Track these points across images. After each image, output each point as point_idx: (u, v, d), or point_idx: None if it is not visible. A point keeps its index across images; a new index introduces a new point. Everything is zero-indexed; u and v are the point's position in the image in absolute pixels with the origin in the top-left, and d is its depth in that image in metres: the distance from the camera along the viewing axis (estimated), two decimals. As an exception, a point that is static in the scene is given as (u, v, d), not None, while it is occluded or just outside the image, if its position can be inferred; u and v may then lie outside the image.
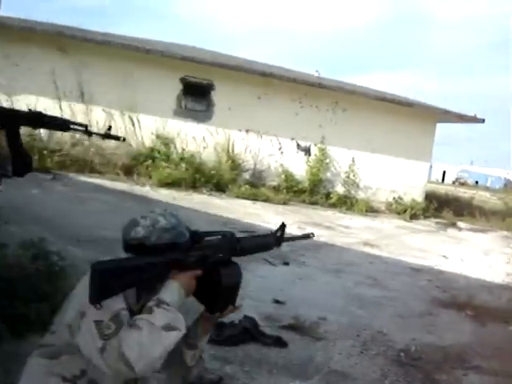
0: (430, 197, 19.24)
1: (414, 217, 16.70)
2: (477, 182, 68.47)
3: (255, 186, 15.47)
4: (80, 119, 14.33)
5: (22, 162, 2.96)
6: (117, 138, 3.37)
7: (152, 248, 2.24)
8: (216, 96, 15.95)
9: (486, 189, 53.48)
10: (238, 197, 14.39)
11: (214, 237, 2.41)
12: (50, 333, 2.33)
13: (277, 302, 6.09)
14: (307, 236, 2.77)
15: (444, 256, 11.08)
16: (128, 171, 14.09)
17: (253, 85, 15.88)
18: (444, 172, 72.44)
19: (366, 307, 6.55)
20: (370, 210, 16.71)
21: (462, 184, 60.86)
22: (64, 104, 14.04)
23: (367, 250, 10.26)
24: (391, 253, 10.27)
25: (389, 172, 17.24)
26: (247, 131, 16.15)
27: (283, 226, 2.58)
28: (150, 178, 14.03)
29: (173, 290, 2.19)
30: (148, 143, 15.05)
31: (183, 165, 14.56)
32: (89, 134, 3.05)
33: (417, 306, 7.07)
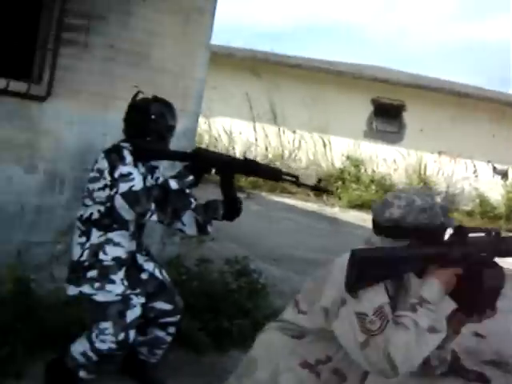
0: None
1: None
2: None
3: (448, 211, 14.88)
4: (272, 140, 14.79)
5: (233, 208, 3.24)
6: (326, 190, 3.80)
7: (407, 229, 2.17)
8: (408, 117, 15.66)
9: None
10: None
11: (477, 233, 2.29)
12: (298, 312, 2.31)
13: (477, 335, 5.76)
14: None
15: None
16: (318, 192, 14.20)
17: (446, 105, 15.35)
18: None
19: None
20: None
21: None
22: (257, 126, 14.52)
23: None
24: None
25: None
26: (440, 153, 15.63)
27: None
28: (340, 199, 14.04)
29: (434, 288, 2.09)
30: (338, 164, 15.12)
31: (373, 187, 14.42)
32: (298, 185, 3.21)
33: None
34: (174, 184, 3.10)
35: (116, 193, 3.05)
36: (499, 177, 16.00)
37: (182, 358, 3.99)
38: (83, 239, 3.21)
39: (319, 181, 3.24)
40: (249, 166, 3.15)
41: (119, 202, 3.05)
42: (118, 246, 3.22)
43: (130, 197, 3.03)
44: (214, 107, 14.29)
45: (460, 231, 2.23)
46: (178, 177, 3.16)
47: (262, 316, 4.53)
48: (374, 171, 15.11)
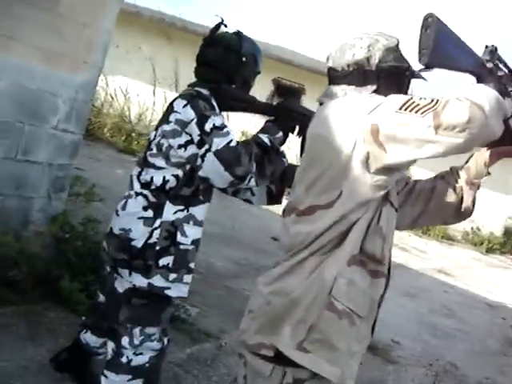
0: (508, 232, 18.62)
1: (490, 250, 16.18)
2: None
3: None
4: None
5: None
6: None
7: (373, 72, 1.88)
8: (306, 101, 15.79)
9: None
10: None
11: None
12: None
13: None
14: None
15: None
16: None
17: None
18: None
19: (440, 337, 6.36)
20: (446, 236, 16.29)
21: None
22: (158, 90, 14.21)
23: (442, 277, 9.95)
24: (467, 284, 9.94)
25: (470, 201, 16.75)
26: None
27: None
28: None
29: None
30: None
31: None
32: None
33: (491, 343, 6.82)
34: (267, 140, 2.60)
35: (208, 150, 2.41)
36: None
37: (61, 318, 3.87)
38: (149, 213, 2.53)
39: None
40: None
41: (212, 162, 2.40)
42: (200, 225, 2.65)
43: (229, 155, 2.41)
44: (115, 66, 13.88)
45: None
46: (266, 133, 2.65)
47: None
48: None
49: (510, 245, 17.04)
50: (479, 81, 1.83)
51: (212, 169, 2.42)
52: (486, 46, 1.91)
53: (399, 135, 1.68)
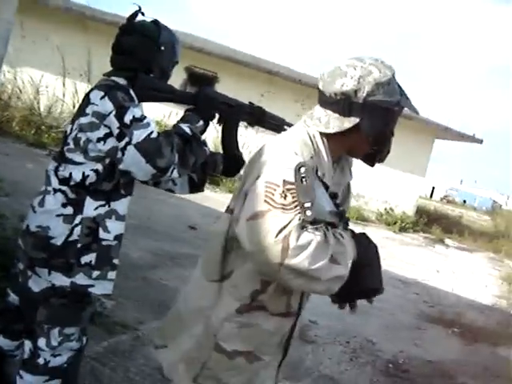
0: (419, 211, 19.32)
1: (403, 229, 16.73)
2: (464, 201, 69.00)
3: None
4: (81, 98, 14.21)
5: (234, 161, 2.76)
6: None
7: (359, 105, 1.83)
8: (219, 89, 15.80)
9: (474, 209, 53.87)
10: (230, 191, 14.32)
11: None
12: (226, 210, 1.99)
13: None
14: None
15: (437, 271, 11.14)
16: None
17: (257, 82, 15.85)
18: (433, 188, 72.78)
19: (356, 315, 6.50)
20: (361, 218, 16.71)
21: (450, 202, 61.24)
22: (69, 82, 13.83)
23: (357, 257, 10.17)
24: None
25: (383, 182, 17.24)
26: (246, 127, 15.95)
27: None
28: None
29: (347, 235, 1.76)
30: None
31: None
32: None
33: (405, 318, 7.08)
34: (188, 129, 2.50)
35: (128, 143, 2.31)
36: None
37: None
38: (69, 210, 2.43)
39: None
40: (259, 114, 2.72)
41: (133, 155, 2.30)
42: (122, 219, 2.57)
43: (150, 147, 2.32)
44: (23, 57, 13.45)
45: None
46: (186, 122, 2.55)
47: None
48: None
49: (421, 223, 17.69)
50: (335, 228, 1.75)
51: (133, 162, 2.33)
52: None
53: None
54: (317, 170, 1.72)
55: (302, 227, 1.59)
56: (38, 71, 13.84)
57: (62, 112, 13.17)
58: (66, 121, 13.16)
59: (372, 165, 2.04)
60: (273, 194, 1.63)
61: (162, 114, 15.12)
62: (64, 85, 13.76)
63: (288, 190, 1.63)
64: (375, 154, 2.00)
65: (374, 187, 17.21)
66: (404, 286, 8.98)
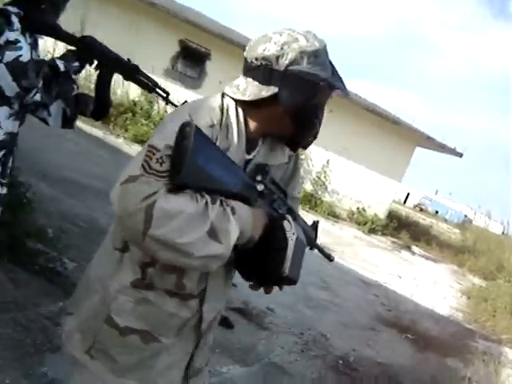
0: (391, 215, 19.48)
1: (372, 231, 16.85)
2: (437, 212, 69.53)
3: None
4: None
5: (103, 106, 2.86)
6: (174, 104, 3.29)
7: (280, 74, 1.67)
8: (210, 66, 15.81)
9: (445, 220, 54.42)
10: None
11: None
12: None
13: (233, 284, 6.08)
14: (328, 256, 2.26)
15: (399, 276, 11.27)
16: (106, 119, 13.85)
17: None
18: (408, 194, 73.31)
19: (313, 308, 6.60)
20: (332, 214, 16.80)
21: (422, 210, 61.76)
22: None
23: (322, 252, 10.24)
24: (344, 260, 10.33)
25: (359, 182, 17.34)
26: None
27: (317, 223, 2.17)
28: (126, 131, 13.86)
29: (243, 210, 1.63)
30: (133, 96, 14.86)
31: (162, 126, 14.37)
32: (167, 102, 2.84)
33: (361, 318, 7.15)
34: (61, 65, 2.67)
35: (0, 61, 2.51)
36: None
37: None
38: None
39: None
40: (132, 70, 2.80)
41: (2, 72, 2.51)
42: None
43: (17, 68, 2.52)
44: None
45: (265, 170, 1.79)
46: (63, 59, 2.70)
47: (23, 232, 4.37)
48: (166, 111, 15.08)
49: (391, 227, 17.83)
50: (248, 204, 1.67)
51: (1, 77, 2.50)
52: (258, 167, 1.79)
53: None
54: (216, 139, 1.64)
55: (173, 192, 1.48)
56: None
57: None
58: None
59: (294, 150, 1.88)
60: (150, 159, 1.50)
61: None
62: (56, 42, 13.56)
63: (168, 156, 1.51)
64: (297, 134, 1.80)
65: (349, 185, 17.31)
66: (365, 287, 9.07)
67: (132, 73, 2.79)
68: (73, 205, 6.34)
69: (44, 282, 4.12)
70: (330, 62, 1.77)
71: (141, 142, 13.53)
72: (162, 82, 15.09)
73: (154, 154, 1.51)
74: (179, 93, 15.44)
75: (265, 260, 1.68)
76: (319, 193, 17.10)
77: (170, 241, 1.46)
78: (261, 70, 1.70)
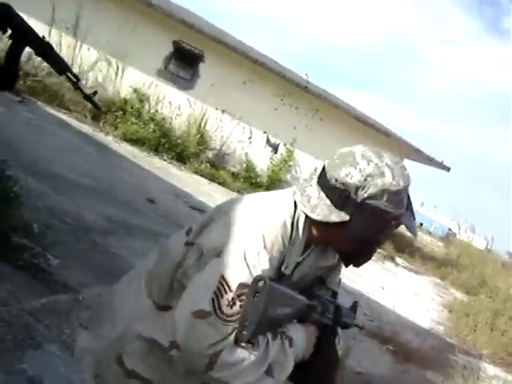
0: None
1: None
2: (421, 224, 69.73)
3: (216, 167, 15.35)
4: (65, 52, 13.99)
5: (9, 77, 2.82)
6: (96, 106, 3.34)
7: (355, 204, 1.64)
8: (203, 68, 15.78)
9: (429, 233, 54.55)
10: (196, 172, 14.28)
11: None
12: (185, 241, 1.77)
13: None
14: (362, 326, 2.31)
15: (382, 287, 11.30)
16: (96, 116, 13.79)
17: (242, 68, 15.77)
18: (393, 205, 73.28)
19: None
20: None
21: (407, 222, 61.69)
22: (55, 33, 13.59)
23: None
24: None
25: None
26: (223, 111, 16.01)
27: (356, 304, 2.10)
28: (116, 129, 13.81)
29: (299, 334, 1.68)
30: (124, 94, 14.81)
31: (152, 125, 14.34)
32: (76, 87, 2.92)
33: (343, 327, 7.15)
34: None
35: None
36: (270, 149, 16.88)
37: None
38: None
39: (94, 93, 3.07)
40: (44, 45, 2.84)
41: None
42: None
43: None
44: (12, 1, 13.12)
45: (324, 285, 1.86)
46: None
47: (9, 226, 4.34)
48: (157, 111, 15.05)
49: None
50: (301, 321, 1.71)
51: None
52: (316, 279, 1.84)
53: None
54: (281, 264, 1.66)
55: (236, 342, 1.51)
56: (25, 16, 13.53)
57: (42, 61, 12.93)
58: (44, 70, 12.97)
59: (346, 265, 1.87)
60: (222, 296, 1.50)
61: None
62: (50, 34, 13.50)
63: (239, 296, 1.50)
64: (353, 256, 1.81)
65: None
66: (347, 296, 9.06)
67: (44, 50, 2.83)
68: (60, 201, 6.31)
69: (28, 277, 4.09)
70: (408, 196, 1.74)
71: (130, 140, 13.50)
72: (156, 81, 15.13)
73: (226, 292, 1.50)
74: (171, 93, 15.45)
75: (316, 373, 1.75)
76: (306, 200, 17.03)
77: (228, 381, 1.52)
78: (337, 193, 1.65)
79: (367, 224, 1.66)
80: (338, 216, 1.65)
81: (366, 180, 1.62)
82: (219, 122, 15.99)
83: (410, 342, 7.61)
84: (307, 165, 16.94)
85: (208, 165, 14.96)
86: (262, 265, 1.56)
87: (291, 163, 16.90)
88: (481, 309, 11.97)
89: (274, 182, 16.44)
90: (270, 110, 16.39)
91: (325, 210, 1.67)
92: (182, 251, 1.76)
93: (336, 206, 1.66)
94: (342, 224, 1.66)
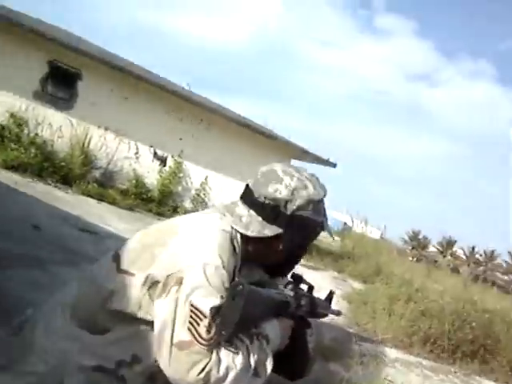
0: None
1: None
2: (317, 222, 71.35)
3: (104, 186, 15.01)
4: None
5: None
6: None
7: (285, 216, 1.80)
8: (82, 87, 15.44)
9: (325, 229, 55.63)
10: (83, 194, 13.90)
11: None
12: (117, 268, 1.78)
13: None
14: (338, 312, 2.44)
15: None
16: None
17: (122, 84, 15.56)
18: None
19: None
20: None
21: (304, 220, 63.04)
22: None
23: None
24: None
25: (237, 197, 17.41)
26: (106, 129, 15.72)
27: (331, 294, 2.29)
28: (-4, 157, 13.26)
29: (275, 331, 1.79)
30: (0, 120, 14.25)
31: (33, 150, 13.82)
32: None
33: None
34: None
35: None
36: (158, 162, 16.76)
37: None
38: None
39: None
40: None
41: None
42: None
43: None
44: None
45: (296, 280, 1.99)
46: None
47: None
48: (37, 134, 14.56)
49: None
50: (279, 315, 1.84)
51: None
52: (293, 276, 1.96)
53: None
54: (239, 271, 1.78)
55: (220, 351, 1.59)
56: None
57: None
58: None
59: (273, 276, 2.01)
60: (198, 325, 1.55)
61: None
62: None
63: (213, 319, 1.57)
64: (284, 266, 1.98)
65: (228, 201, 17.36)
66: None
67: None
68: None
69: None
70: (323, 206, 1.93)
71: (11, 167, 12.98)
72: (34, 104, 14.63)
73: (201, 319, 1.56)
74: (51, 115, 14.98)
75: (290, 360, 1.92)
76: (199, 210, 17.06)
77: None
78: (267, 209, 1.81)
79: (299, 233, 1.85)
80: (271, 230, 1.81)
81: (293, 194, 1.81)
82: (103, 140, 15.68)
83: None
84: (197, 175, 16.97)
85: (96, 185, 14.61)
86: (225, 283, 1.64)
87: (181, 175, 16.85)
88: (378, 296, 12.37)
89: (165, 195, 16.33)
90: (154, 124, 16.28)
91: (258, 226, 1.82)
92: (116, 279, 1.75)
93: (268, 221, 1.81)
94: (275, 237, 1.82)
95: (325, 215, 1.94)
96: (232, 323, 1.56)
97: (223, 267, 1.67)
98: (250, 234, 1.81)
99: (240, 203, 1.92)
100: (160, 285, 1.65)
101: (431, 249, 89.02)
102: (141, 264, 1.73)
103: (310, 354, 2.01)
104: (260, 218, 1.83)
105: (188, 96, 16.99)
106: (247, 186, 1.93)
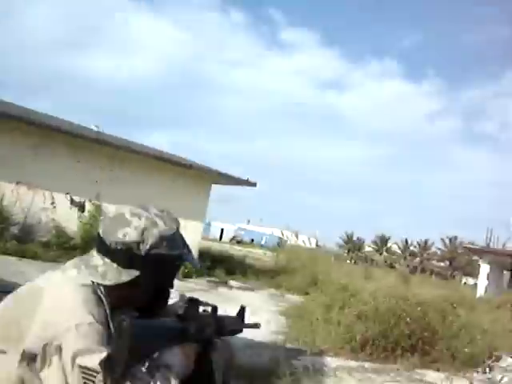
0: (204, 255, 19.68)
1: (187, 276, 16.83)
2: (252, 240, 71.81)
3: (24, 242, 14.57)
4: None
5: None
6: None
7: (141, 257, 1.75)
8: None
9: (261, 246, 56.18)
10: (3, 253, 13.46)
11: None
12: None
13: None
14: (255, 325, 2.38)
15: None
16: None
17: (29, 135, 15.18)
18: (222, 230, 74.81)
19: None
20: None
21: (239, 242, 63.39)
22: None
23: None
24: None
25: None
26: (18, 183, 15.29)
27: (243, 309, 2.26)
28: None
29: (177, 358, 1.70)
30: None
31: None
32: None
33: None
34: None
35: None
36: (76, 209, 16.41)
37: None
38: None
39: None
40: None
41: None
42: None
43: None
44: None
45: (193, 304, 1.89)
46: None
47: None
48: None
49: (205, 267, 17.97)
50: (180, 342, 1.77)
51: None
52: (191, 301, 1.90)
53: None
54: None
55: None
56: None
57: None
58: None
59: (147, 316, 1.91)
60: (93, 382, 1.51)
61: None
62: None
63: (105, 369, 1.51)
64: (153, 305, 1.91)
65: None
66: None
67: None
68: None
69: None
70: (181, 237, 1.91)
71: None
72: None
73: (94, 376, 1.50)
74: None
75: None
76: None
77: None
78: (121, 254, 1.75)
79: (157, 272, 1.79)
80: (128, 275, 1.76)
81: (143, 234, 1.76)
82: (16, 195, 15.23)
83: (249, 361, 7.67)
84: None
85: (14, 242, 14.16)
86: (104, 335, 1.60)
87: (101, 217, 16.53)
88: (314, 307, 12.43)
89: (88, 241, 15.95)
90: (67, 171, 15.94)
91: (115, 274, 1.76)
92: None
93: (124, 266, 1.76)
94: (135, 281, 1.76)
95: (184, 246, 1.91)
96: (122, 360, 1.51)
97: (96, 321, 1.63)
98: (107, 283, 1.76)
99: (95, 253, 1.85)
100: (38, 358, 1.58)
101: (367, 249, 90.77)
102: (10, 340, 1.66)
103: (218, 375, 1.94)
104: (115, 265, 1.77)
105: (97, 138, 16.76)
106: (98, 234, 1.85)
